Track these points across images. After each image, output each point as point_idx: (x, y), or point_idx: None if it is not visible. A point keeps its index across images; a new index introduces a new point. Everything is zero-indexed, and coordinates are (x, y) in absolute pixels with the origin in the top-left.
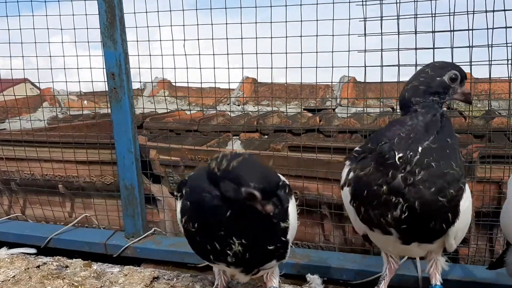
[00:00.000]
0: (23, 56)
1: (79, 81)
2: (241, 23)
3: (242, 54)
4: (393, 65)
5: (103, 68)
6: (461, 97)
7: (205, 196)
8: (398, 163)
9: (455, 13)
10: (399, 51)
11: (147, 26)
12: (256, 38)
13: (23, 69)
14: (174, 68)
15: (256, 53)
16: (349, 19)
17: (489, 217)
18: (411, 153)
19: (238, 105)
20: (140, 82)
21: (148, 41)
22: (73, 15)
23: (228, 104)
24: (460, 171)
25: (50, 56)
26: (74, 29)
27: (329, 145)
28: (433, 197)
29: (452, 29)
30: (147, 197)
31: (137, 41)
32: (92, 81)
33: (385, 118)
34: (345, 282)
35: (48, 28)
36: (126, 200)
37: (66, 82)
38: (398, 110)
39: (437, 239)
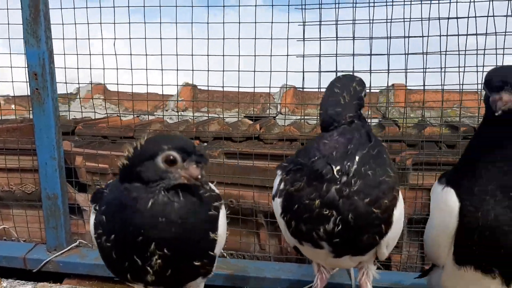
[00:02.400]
0: None
1: None
2: (176, 23)
3: (176, 55)
4: (331, 71)
5: (25, 67)
6: None
7: (122, 195)
8: (337, 176)
9: (392, 20)
10: (337, 57)
11: (75, 24)
12: (192, 39)
13: None
14: (103, 69)
15: (192, 55)
16: (288, 22)
17: (421, 224)
18: (348, 163)
19: (177, 112)
20: (69, 83)
21: (75, 39)
22: None
23: (166, 110)
24: (395, 177)
25: None
26: None
27: (266, 151)
28: (368, 208)
29: (389, 35)
30: (71, 207)
31: (63, 38)
32: (12, 81)
33: None
34: None
35: None
36: (48, 210)
37: None
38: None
39: (369, 251)
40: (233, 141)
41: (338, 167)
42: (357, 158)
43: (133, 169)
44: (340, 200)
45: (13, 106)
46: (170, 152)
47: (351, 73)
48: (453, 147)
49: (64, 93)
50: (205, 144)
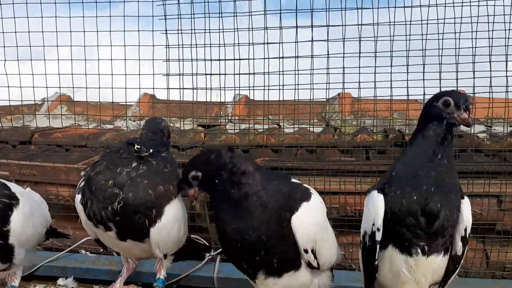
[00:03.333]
0: None
1: None
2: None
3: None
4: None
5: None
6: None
7: None
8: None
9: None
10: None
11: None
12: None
13: None
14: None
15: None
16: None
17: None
18: (144, 149)
19: (134, 121)
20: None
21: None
22: None
23: (124, 120)
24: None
25: None
26: None
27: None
28: (145, 189)
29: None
30: None
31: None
32: None
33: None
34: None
35: None
36: None
37: None
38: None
39: (144, 239)
40: (179, 148)
41: (138, 146)
42: (151, 150)
43: None
44: (128, 181)
45: None
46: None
47: None
48: (384, 153)
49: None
50: None
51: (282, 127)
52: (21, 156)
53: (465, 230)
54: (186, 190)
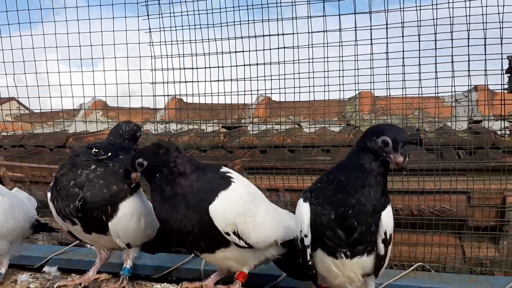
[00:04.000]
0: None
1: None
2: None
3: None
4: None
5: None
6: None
7: None
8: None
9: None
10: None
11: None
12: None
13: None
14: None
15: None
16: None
17: None
18: (102, 152)
19: (162, 124)
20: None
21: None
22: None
23: (153, 123)
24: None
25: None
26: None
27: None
28: (101, 190)
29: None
30: None
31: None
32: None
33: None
34: (146, 276)
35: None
36: None
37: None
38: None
39: (106, 232)
40: (201, 150)
41: (96, 150)
42: (110, 154)
43: None
44: (87, 182)
45: (20, 124)
46: None
47: None
48: None
49: (70, 109)
50: None
51: (302, 127)
52: (56, 159)
53: (385, 233)
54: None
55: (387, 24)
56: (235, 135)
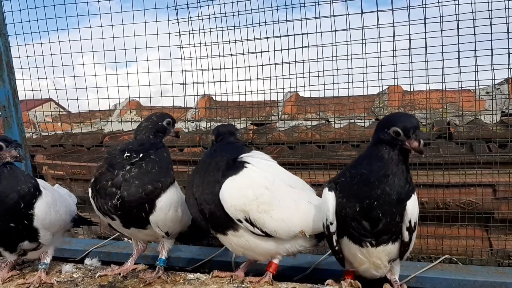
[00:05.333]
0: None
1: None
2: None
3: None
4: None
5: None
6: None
7: None
8: (125, 160)
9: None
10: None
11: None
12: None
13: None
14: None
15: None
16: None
17: None
18: (134, 155)
19: (193, 122)
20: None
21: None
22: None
23: (184, 121)
24: (167, 176)
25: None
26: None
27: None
28: (136, 189)
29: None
30: None
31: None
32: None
33: (323, 128)
34: (180, 268)
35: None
36: None
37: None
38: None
39: (147, 225)
40: None
41: (128, 154)
42: (141, 155)
43: None
44: (123, 182)
45: (59, 124)
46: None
47: None
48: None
49: (105, 109)
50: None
51: (331, 122)
52: (93, 157)
53: (410, 221)
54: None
55: (425, 19)
56: (263, 132)
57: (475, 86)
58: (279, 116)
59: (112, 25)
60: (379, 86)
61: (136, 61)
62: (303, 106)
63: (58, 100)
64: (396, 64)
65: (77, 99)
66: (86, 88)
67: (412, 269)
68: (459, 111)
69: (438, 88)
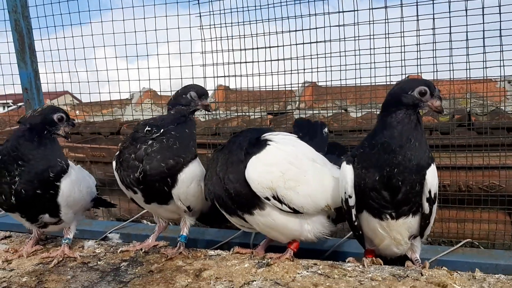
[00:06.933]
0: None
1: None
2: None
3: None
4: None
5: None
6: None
7: None
8: (147, 134)
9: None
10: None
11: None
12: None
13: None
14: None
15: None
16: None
17: None
18: (155, 129)
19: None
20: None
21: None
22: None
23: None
24: (189, 152)
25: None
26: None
27: None
28: (159, 164)
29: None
30: None
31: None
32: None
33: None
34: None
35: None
36: None
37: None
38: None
39: (169, 201)
40: None
41: (148, 128)
42: (162, 130)
43: None
44: (145, 156)
45: (77, 112)
46: None
47: None
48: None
49: (121, 99)
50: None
51: (349, 112)
52: (111, 144)
53: (429, 192)
54: None
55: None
56: (281, 120)
57: (500, 75)
58: (297, 104)
59: (134, 19)
60: (401, 74)
61: (157, 54)
62: (320, 95)
63: (80, 93)
64: (420, 58)
65: (100, 93)
66: (108, 81)
67: (432, 252)
68: (482, 100)
69: (462, 77)
